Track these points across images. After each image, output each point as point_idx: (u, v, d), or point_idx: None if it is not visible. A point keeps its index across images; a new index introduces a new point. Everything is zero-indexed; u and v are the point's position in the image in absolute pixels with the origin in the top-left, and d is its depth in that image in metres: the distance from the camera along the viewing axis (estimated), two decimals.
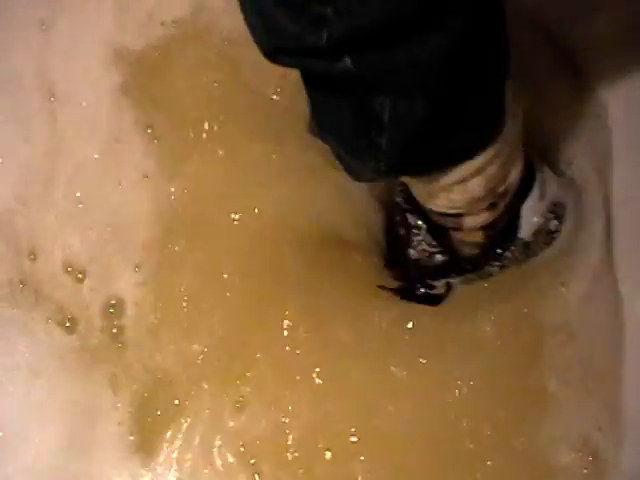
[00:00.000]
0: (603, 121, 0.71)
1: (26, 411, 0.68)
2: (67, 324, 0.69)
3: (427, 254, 0.69)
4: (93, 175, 0.74)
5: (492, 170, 0.56)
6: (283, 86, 0.76)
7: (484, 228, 0.65)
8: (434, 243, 0.68)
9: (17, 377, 0.68)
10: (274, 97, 0.76)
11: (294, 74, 0.49)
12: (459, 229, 0.65)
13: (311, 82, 0.49)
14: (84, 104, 0.76)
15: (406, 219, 0.68)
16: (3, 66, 0.77)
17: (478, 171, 0.55)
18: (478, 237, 0.66)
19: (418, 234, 0.68)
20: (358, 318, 0.71)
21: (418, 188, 0.61)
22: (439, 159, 0.53)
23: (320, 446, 0.67)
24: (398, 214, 0.69)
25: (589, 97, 0.71)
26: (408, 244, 0.69)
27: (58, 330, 0.69)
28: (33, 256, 0.72)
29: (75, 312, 0.69)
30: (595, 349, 0.68)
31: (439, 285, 0.71)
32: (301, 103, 0.65)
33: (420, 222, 0.68)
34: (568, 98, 0.72)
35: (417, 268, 0.70)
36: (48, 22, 0.77)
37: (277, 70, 0.67)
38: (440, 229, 0.67)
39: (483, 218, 0.63)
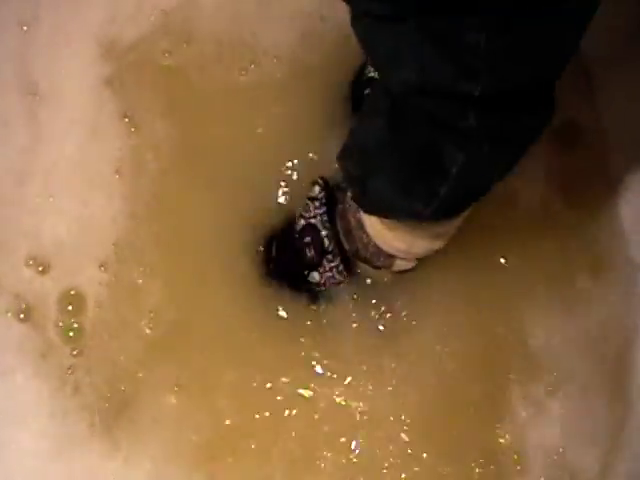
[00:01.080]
0: None
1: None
2: (22, 315, 0.76)
3: (334, 281, 0.70)
4: (69, 172, 0.78)
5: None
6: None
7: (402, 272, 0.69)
8: (345, 274, 0.70)
9: None
10: None
11: None
12: (380, 267, 0.67)
13: (410, 120, 0.49)
14: (66, 101, 0.79)
15: (322, 244, 0.68)
16: None
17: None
18: (386, 275, 0.71)
19: (332, 261, 0.68)
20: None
21: (384, 227, 0.62)
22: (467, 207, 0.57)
23: None
24: (309, 235, 0.69)
25: None
26: (314, 267, 0.69)
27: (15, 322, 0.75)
28: None
29: (32, 303, 0.76)
30: None
31: None
32: None
33: (336, 250, 0.68)
34: None
35: (313, 286, 0.72)
36: (29, 20, 0.79)
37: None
38: (349, 261, 0.70)
39: (410, 265, 0.67)
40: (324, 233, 0.68)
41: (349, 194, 0.66)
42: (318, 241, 0.68)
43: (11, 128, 0.79)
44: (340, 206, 0.67)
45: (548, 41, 0.41)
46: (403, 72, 0.43)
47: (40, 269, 0.77)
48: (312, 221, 0.68)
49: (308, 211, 0.69)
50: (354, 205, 0.64)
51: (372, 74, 0.73)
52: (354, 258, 0.69)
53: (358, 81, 0.74)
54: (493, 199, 0.58)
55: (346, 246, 0.68)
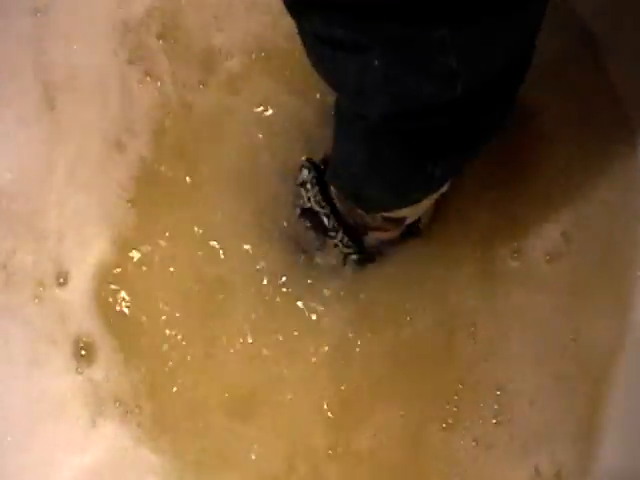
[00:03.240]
0: None
1: None
2: None
3: (342, 256, 0.70)
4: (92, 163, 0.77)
5: None
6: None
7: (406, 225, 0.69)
8: (351, 244, 0.69)
9: None
10: None
11: None
12: (387, 229, 0.67)
13: (388, 138, 0.49)
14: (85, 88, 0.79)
15: (322, 224, 0.69)
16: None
17: None
18: (396, 233, 0.69)
19: (334, 237, 0.69)
20: None
21: None
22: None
23: None
24: (307, 220, 0.70)
25: None
26: (320, 248, 0.70)
27: None
28: None
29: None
30: None
31: None
32: None
33: (337, 224, 0.68)
34: None
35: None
36: (43, 8, 0.80)
37: None
38: (355, 231, 0.69)
39: (414, 218, 0.67)
40: (321, 212, 0.68)
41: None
42: (317, 222, 0.69)
43: (30, 115, 0.79)
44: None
45: (512, 25, 0.40)
46: (376, 102, 0.42)
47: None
48: (307, 205, 0.69)
49: (301, 197, 0.70)
50: None
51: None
52: (361, 230, 0.69)
53: None
54: None
55: (351, 221, 0.68)
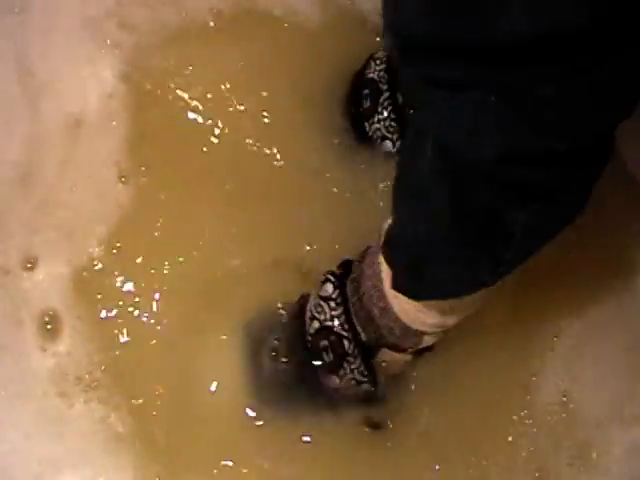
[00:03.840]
0: None
1: None
2: None
3: (355, 383, 0.67)
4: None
5: None
6: None
7: (422, 350, 0.66)
8: (366, 373, 0.67)
9: None
10: None
11: None
12: (405, 349, 0.64)
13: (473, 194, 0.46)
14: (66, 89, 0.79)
15: (342, 346, 0.65)
16: None
17: None
18: (408, 357, 0.67)
19: (352, 363, 0.66)
20: None
21: (419, 308, 0.59)
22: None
23: None
24: (326, 339, 0.66)
25: None
26: (334, 371, 0.67)
27: None
28: None
29: None
30: None
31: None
32: None
33: (357, 351, 0.65)
34: None
35: (333, 394, 0.70)
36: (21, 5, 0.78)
37: None
38: (369, 355, 0.66)
39: (433, 341, 0.64)
40: (344, 334, 0.65)
41: (365, 281, 0.63)
42: (338, 344, 0.65)
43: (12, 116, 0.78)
44: (354, 298, 0.65)
45: (622, 82, 0.40)
46: (492, 140, 0.41)
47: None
48: (327, 324, 0.66)
49: (322, 313, 0.66)
50: (375, 295, 0.62)
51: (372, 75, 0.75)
52: (374, 347, 0.66)
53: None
54: None
55: (364, 337, 0.65)
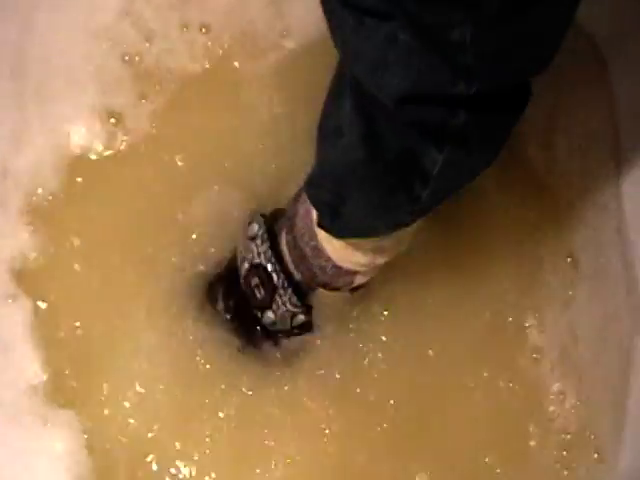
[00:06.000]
0: None
1: None
2: None
3: (289, 315, 0.68)
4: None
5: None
6: None
7: (356, 287, 0.67)
8: (299, 303, 0.68)
9: None
10: None
11: None
12: (337, 288, 0.65)
13: (388, 134, 0.46)
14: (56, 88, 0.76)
15: (271, 281, 0.67)
16: None
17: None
18: (345, 294, 0.68)
19: (283, 295, 0.67)
20: None
21: (349, 248, 0.60)
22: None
23: None
24: (256, 276, 0.67)
25: None
26: (268, 306, 0.68)
27: None
28: None
29: None
30: None
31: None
32: None
33: (286, 283, 0.67)
34: None
35: (271, 329, 0.71)
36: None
37: None
38: (302, 290, 0.68)
39: (366, 279, 0.65)
40: (271, 268, 0.66)
41: (298, 221, 0.63)
42: (267, 279, 0.66)
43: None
44: (288, 237, 0.65)
45: (539, 29, 0.39)
46: (395, 79, 0.41)
47: None
48: (256, 261, 0.67)
49: (250, 252, 0.67)
50: (307, 233, 0.63)
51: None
52: (309, 286, 0.67)
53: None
54: None
55: (297, 276, 0.66)
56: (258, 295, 0.67)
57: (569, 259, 0.77)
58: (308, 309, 0.69)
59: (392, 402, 0.73)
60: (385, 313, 0.75)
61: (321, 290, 0.68)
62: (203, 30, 0.79)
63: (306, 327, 0.71)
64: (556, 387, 0.75)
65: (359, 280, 0.65)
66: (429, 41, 0.38)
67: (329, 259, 0.62)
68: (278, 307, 0.67)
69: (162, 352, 0.72)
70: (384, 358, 0.74)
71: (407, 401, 0.73)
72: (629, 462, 0.70)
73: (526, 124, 0.77)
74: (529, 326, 0.76)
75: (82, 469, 0.70)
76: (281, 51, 0.79)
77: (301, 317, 0.68)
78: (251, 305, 0.69)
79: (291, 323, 0.69)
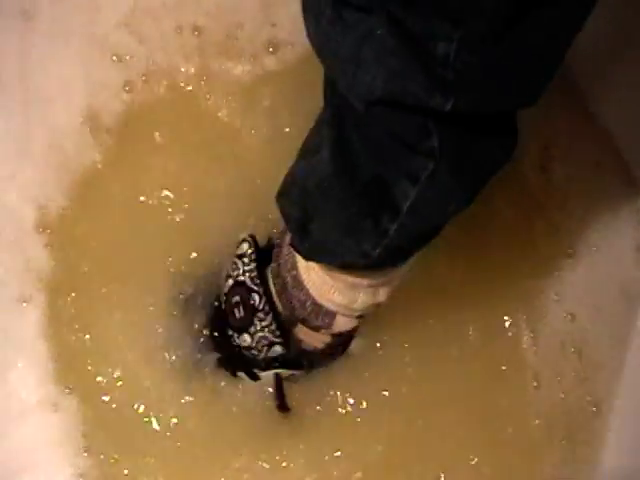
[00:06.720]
0: None
1: None
2: None
3: (266, 343, 0.63)
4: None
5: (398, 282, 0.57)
6: None
7: (339, 334, 0.63)
8: (278, 333, 0.63)
9: None
10: None
11: None
12: (317, 328, 0.61)
13: (358, 149, 0.43)
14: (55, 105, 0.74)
15: (251, 301, 0.62)
16: None
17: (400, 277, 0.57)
18: (326, 339, 0.64)
19: (263, 319, 0.62)
20: None
21: (324, 278, 0.57)
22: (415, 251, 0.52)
23: None
24: (238, 294, 0.63)
25: None
26: (246, 328, 0.63)
27: None
28: None
29: None
30: None
31: (263, 376, 0.69)
32: None
33: (267, 307, 0.62)
34: None
35: (245, 355, 0.66)
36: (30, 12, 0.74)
37: None
38: (284, 325, 0.63)
39: (352, 324, 0.61)
40: (254, 288, 0.62)
41: (284, 249, 0.61)
42: (247, 298, 0.62)
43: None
44: (274, 264, 0.62)
45: (530, 58, 0.37)
46: (367, 77, 0.38)
47: None
48: (240, 279, 0.63)
49: (236, 269, 0.63)
50: (290, 261, 0.60)
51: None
52: (290, 322, 0.63)
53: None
54: None
55: (280, 308, 0.62)
56: (237, 314, 0.63)
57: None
58: (288, 344, 0.64)
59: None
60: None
61: (300, 327, 0.63)
62: (196, 33, 0.77)
63: (284, 362, 0.66)
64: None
65: (340, 324, 0.61)
66: (409, 45, 0.35)
67: (308, 293, 0.59)
68: (256, 331, 0.62)
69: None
70: None
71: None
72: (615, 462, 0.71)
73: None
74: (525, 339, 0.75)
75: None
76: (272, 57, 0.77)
77: (278, 349, 0.63)
78: (229, 325, 0.65)
79: (267, 352, 0.64)
